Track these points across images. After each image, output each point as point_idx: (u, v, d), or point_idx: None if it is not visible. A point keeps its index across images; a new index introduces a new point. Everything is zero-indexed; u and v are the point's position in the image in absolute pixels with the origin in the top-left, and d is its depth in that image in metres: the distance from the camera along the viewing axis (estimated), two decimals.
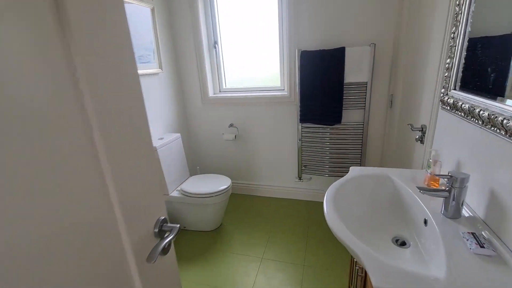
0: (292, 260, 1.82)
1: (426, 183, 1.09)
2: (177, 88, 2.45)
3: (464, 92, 0.93)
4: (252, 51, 2.35)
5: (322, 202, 1.15)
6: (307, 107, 2.11)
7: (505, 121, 0.71)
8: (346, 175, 1.20)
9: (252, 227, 2.19)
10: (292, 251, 1.91)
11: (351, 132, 2.16)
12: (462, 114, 0.92)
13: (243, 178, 2.69)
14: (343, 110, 2.07)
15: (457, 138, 1.00)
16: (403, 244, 0.94)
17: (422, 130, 1.34)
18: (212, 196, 1.96)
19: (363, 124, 2.12)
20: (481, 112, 0.81)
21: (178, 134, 2.20)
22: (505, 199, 0.74)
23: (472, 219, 0.84)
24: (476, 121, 0.84)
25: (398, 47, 1.87)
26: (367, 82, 1.99)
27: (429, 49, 1.31)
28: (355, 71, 1.96)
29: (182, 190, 2.02)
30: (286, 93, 2.26)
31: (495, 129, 0.76)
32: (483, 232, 0.78)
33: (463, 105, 0.91)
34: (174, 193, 2.05)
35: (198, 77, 2.43)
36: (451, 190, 0.84)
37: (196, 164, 2.79)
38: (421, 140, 1.35)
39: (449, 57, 0.99)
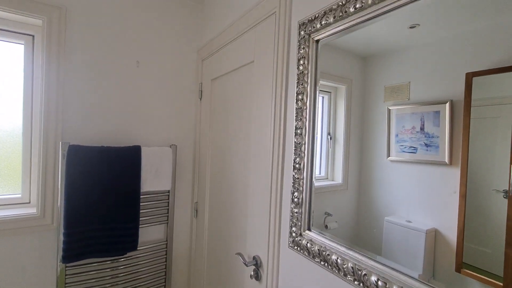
0: None
1: None
2: None
3: (326, 239, 0.76)
4: None
5: None
6: (79, 235, 1.28)
7: None
8: None
9: None
10: None
11: (149, 257, 1.56)
12: (329, 267, 0.74)
13: None
14: (140, 229, 1.47)
15: None
16: None
17: (257, 263, 1.08)
18: None
19: (166, 243, 1.61)
20: (364, 274, 0.64)
21: None
22: None
23: None
24: (359, 283, 0.66)
25: (199, 151, 1.69)
26: (169, 190, 1.59)
27: (248, 163, 1.17)
28: (154, 177, 1.50)
29: None
30: (35, 211, 1.29)
31: None
32: None
33: (328, 256, 0.73)
34: None
35: None
36: None
37: None
38: (257, 276, 1.08)
39: (297, 189, 0.83)
